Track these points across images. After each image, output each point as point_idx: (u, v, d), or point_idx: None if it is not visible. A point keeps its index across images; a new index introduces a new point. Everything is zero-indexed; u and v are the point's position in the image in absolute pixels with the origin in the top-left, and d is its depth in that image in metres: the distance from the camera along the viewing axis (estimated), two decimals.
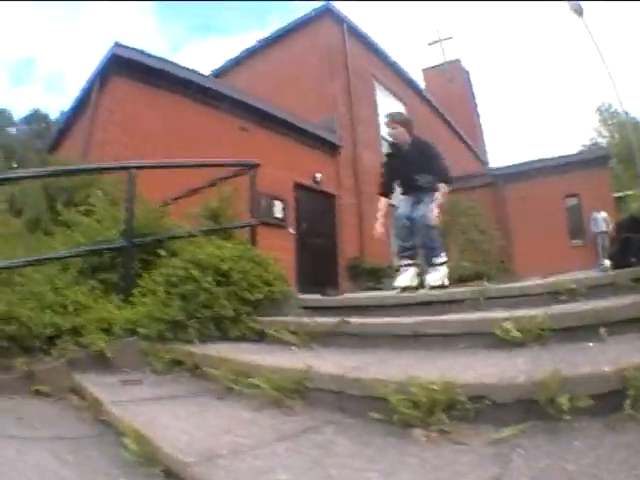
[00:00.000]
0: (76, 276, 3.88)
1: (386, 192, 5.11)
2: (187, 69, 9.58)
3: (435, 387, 1.60)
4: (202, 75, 10.28)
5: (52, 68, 63.39)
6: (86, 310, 3.42)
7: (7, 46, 59.26)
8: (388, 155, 5.16)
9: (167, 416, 2.07)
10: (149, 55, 8.85)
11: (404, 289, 4.55)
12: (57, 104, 54.45)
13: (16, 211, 8.20)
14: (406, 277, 4.73)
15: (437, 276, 4.64)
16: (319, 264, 11.76)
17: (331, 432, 1.74)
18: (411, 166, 4.79)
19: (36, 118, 39.97)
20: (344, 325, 2.87)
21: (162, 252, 3.80)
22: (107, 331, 3.25)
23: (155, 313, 3.25)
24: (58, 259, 3.85)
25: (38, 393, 2.78)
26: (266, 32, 16.31)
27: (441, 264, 4.74)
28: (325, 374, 2.04)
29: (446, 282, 4.66)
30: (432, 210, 4.63)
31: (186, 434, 1.77)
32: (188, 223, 4.48)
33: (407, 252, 4.91)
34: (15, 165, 33.69)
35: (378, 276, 11.67)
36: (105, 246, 3.88)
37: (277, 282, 3.79)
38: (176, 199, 4.99)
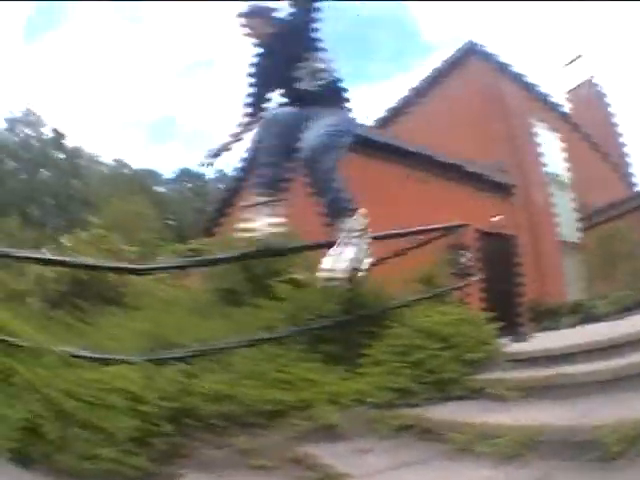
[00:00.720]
0: (297, 351, 4.56)
1: (256, 106, 4.37)
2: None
3: None
4: (369, 126, 11.88)
5: (192, 127, 71.63)
6: (311, 384, 4.03)
7: (149, 106, 68.51)
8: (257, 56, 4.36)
9: None
10: None
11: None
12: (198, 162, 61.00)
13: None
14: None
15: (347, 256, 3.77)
16: (502, 307, 12.75)
17: (562, 477, 2.64)
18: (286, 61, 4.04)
19: (186, 176, 45.00)
20: (556, 377, 3.80)
21: (387, 322, 4.69)
22: (334, 402, 3.97)
23: (383, 382, 4.17)
24: (284, 338, 4.69)
25: (258, 468, 3.26)
26: (411, 76, 18.60)
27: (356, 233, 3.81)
28: (553, 426, 2.98)
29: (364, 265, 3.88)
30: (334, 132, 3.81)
31: None
32: (396, 287, 5.51)
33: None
34: (172, 223, 37.61)
35: (555, 314, 13.84)
36: (331, 322, 4.76)
37: (490, 340, 4.75)
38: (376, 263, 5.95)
